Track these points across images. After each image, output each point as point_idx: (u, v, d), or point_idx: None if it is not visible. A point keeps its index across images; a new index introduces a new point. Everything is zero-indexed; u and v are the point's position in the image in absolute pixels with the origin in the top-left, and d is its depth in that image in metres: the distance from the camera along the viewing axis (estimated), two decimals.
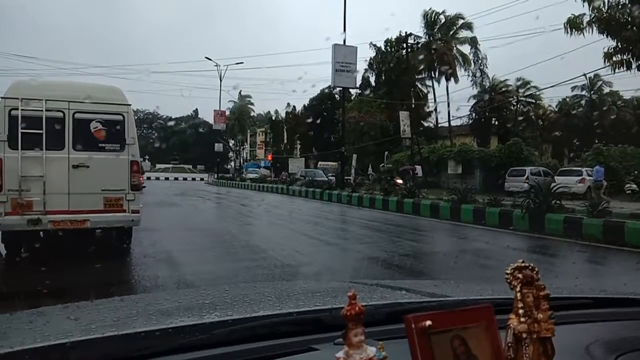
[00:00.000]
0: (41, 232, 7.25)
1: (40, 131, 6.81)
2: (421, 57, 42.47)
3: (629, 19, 12.63)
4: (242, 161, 69.48)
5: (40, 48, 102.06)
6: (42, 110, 6.83)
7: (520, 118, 45.84)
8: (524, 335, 0.71)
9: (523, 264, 0.75)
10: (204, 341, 0.98)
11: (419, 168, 30.33)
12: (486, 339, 0.67)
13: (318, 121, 48.85)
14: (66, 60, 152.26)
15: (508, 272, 0.75)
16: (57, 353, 0.91)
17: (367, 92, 46.34)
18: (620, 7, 12.69)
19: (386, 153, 37.99)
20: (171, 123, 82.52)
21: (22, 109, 6.72)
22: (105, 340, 0.96)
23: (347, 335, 0.61)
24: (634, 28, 12.59)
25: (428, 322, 0.62)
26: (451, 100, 42.32)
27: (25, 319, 1.29)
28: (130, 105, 7.64)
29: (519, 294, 0.72)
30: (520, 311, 0.71)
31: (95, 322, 1.17)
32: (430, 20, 43.80)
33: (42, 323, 1.22)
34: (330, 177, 31.66)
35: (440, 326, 0.63)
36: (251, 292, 1.67)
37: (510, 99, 44.63)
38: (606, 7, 12.72)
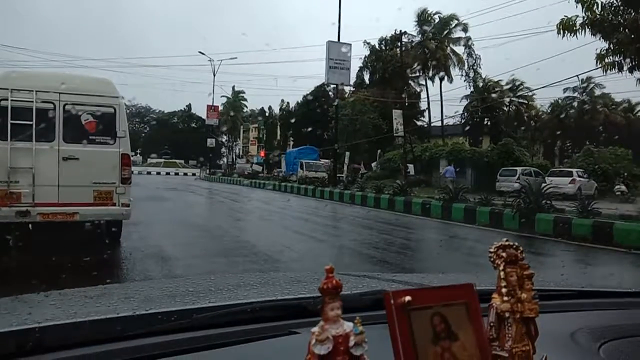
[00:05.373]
0: (30, 224, 7.18)
1: (30, 122, 6.74)
2: (415, 55, 42.60)
3: (622, 21, 12.69)
4: (234, 157, 69.11)
5: (31, 39, 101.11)
6: (32, 102, 6.76)
7: (513, 118, 45.99)
8: (507, 315, 0.70)
9: (507, 243, 0.74)
10: (184, 325, 0.97)
11: (411, 167, 30.41)
12: (467, 317, 0.65)
13: (311, 118, 48.79)
14: (57, 52, 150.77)
15: (491, 250, 0.73)
16: (31, 336, 0.89)
17: (361, 90, 46.27)
18: (612, 9, 12.75)
19: (379, 151, 38.00)
20: (164, 117, 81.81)
21: (12, 100, 6.64)
22: (76, 325, 0.94)
23: (324, 309, 0.60)
24: (626, 30, 12.64)
25: (407, 298, 0.60)
26: (444, 100, 42.48)
27: (4, 305, 1.27)
28: (121, 97, 7.59)
29: (502, 273, 0.71)
30: (504, 290, 0.70)
31: (75, 308, 1.15)
32: (424, 20, 43.86)
33: (21, 309, 1.20)
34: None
35: (420, 303, 0.61)
36: (237, 281, 1.66)
37: (503, 99, 44.77)
38: (599, 9, 12.77)
